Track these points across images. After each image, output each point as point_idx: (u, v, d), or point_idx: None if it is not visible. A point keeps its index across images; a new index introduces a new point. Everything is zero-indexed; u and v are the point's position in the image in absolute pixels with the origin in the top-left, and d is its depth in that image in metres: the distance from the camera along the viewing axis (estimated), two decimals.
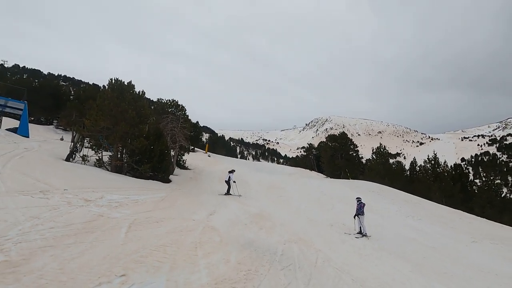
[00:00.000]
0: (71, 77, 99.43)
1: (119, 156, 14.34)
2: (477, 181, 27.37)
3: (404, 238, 9.62)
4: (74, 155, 13.65)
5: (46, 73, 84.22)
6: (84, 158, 13.57)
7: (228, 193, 13.75)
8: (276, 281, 4.39)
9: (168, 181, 15.11)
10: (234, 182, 14.12)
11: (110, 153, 14.52)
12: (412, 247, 8.64)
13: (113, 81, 14.31)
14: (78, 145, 14.47)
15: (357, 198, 9.93)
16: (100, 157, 13.92)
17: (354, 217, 9.54)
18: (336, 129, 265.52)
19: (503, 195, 24.31)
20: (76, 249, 3.97)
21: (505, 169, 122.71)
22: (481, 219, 15.10)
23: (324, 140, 40.72)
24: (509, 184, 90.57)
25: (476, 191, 23.51)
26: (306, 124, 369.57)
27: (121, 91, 14.05)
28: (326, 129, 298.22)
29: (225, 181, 14.15)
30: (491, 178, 24.79)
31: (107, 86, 14.49)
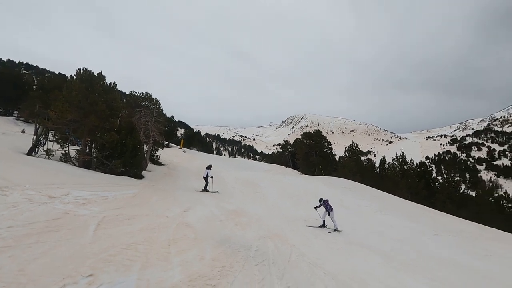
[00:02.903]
0: (34, 65, 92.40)
1: (87, 150, 13.64)
2: (439, 178, 29.27)
3: (373, 231, 10.09)
4: (37, 149, 12.81)
5: (5, 60, 77.32)
6: (48, 152, 12.74)
7: (205, 189, 13.58)
8: (251, 277, 4.41)
9: (141, 177, 14.64)
10: (212, 177, 13.96)
11: (77, 148, 13.77)
12: (380, 240, 9.08)
13: (82, 71, 13.52)
14: (42, 138, 13.56)
15: (319, 200, 10.24)
16: (67, 151, 13.14)
17: (315, 208, 10.09)
18: (311, 126, 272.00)
19: (461, 191, 26.29)
20: (38, 249, 3.71)
21: (463, 167, 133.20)
22: (442, 213, 16.23)
23: (300, 137, 41.49)
24: (467, 181, 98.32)
25: (438, 187, 25.17)
26: (283, 121, 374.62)
27: (90, 82, 13.32)
28: (302, 126, 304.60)
29: (203, 177, 13.96)
30: (451, 175, 26.59)
31: (74, 76, 13.66)
